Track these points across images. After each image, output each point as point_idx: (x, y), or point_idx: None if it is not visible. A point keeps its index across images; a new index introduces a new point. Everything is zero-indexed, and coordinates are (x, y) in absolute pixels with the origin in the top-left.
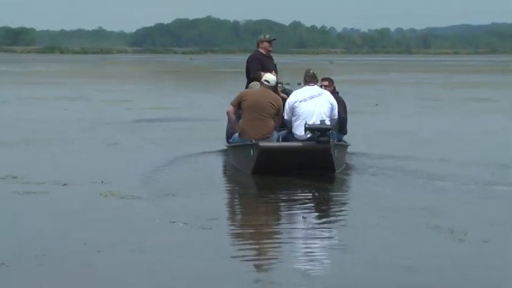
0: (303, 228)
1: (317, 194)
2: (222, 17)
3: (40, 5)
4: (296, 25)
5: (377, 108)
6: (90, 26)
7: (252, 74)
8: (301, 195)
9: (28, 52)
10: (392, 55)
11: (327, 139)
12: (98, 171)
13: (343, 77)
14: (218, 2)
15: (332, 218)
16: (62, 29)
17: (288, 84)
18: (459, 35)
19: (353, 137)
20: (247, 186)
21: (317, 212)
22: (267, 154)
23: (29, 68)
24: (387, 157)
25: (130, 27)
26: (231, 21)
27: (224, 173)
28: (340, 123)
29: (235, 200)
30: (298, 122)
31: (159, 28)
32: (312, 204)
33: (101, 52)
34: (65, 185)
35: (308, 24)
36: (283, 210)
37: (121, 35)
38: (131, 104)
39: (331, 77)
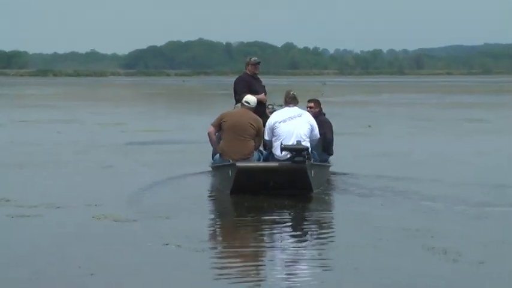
0: (292, 249)
1: (305, 215)
2: (215, 39)
3: (33, 28)
4: (289, 46)
5: (370, 129)
6: (83, 49)
7: (238, 95)
8: (288, 217)
9: (21, 75)
10: (385, 76)
11: (302, 159)
12: (91, 194)
13: (336, 99)
14: (210, 24)
15: (322, 239)
16: (55, 52)
17: (280, 105)
18: (452, 56)
19: (345, 158)
20: (234, 207)
21: (306, 233)
22: (244, 174)
23: (22, 91)
24: (379, 177)
25: (123, 50)
26: (224, 43)
27: (211, 194)
28: (326, 144)
29: (223, 221)
30: (278, 142)
31: (152, 50)
32: (301, 226)
33: (94, 75)
34: (58, 208)
35: (301, 46)
36: (273, 232)
37: (114, 57)
38: (124, 127)
39: (319, 99)
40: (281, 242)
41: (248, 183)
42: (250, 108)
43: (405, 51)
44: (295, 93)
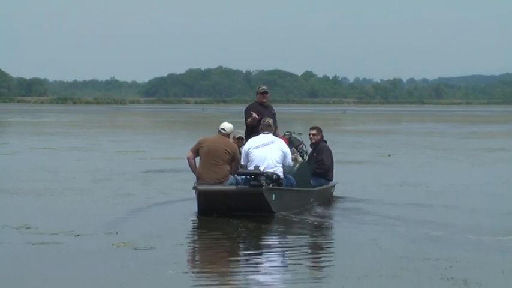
0: (310, 282)
1: (322, 243)
2: (234, 67)
3: (53, 56)
4: (308, 75)
5: (389, 158)
6: (103, 77)
7: (246, 122)
8: (304, 243)
9: (41, 102)
10: (405, 105)
11: (258, 183)
12: (110, 222)
13: (356, 127)
14: (230, 53)
15: (338, 268)
16: (75, 80)
17: (300, 134)
18: (472, 85)
19: (364, 186)
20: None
21: (319, 261)
22: (205, 196)
23: (42, 119)
24: (396, 206)
25: (143, 78)
26: (243, 71)
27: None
28: (323, 170)
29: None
30: (252, 167)
31: (172, 78)
32: (317, 254)
33: (114, 102)
34: (77, 235)
35: (320, 74)
36: (285, 259)
37: (134, 85)
38: (143, 154)
39: (319, 127)
40: (290, 271)
41: (211, 205)
42: (226, 135)
43: (425, 80)
44: (270, 121)
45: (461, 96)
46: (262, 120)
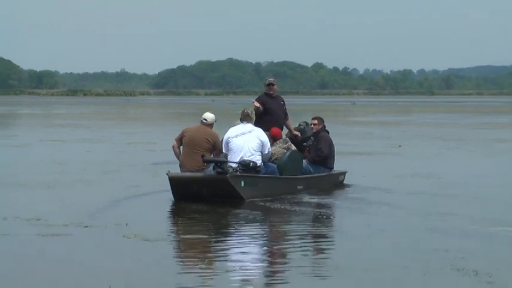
0: (314, 266)
1: (332, 229)
2: (244, 59)
3: (64, 49)
4: (318, 66)
5: (400, 149)
6: (113, 69)
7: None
8: (314, 230)
9: (52, 95)
10: (415, 96)
11: (222, 170)
12: (120, 214)
13: (366, 118)
14: (239, 44)
15: (351, 256)
16: (86, 72)
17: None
18: (482, 76)
19: (374, 176)
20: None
21: (323, 252)
22: (175, 182)
23: (52, 111)
24: (408, 195)
25: (153, 69)
26: (253, 62)
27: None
28: (322, 158)
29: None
30: (230, 155)
31: (182, 70)
32: (327, 238)
33: (124, 94)
34: (88, 227)
35: (330, 66)
36: (288, 247)
37: (144, 77)
38: (153, 146)
39: (320, 117)
40: (297, 260)
41: (183, 191)
42: (208, 124)
43: (435, 71)
44: (249, 111)
45: (472, 87)
46: (242, 110)
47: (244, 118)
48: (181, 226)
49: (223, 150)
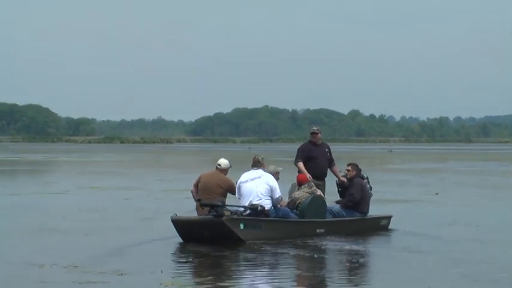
0: None
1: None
2: (280, 106)
3: (101, 96)
4: (355, 114)
5: (437, 197)
6: (150, 116)
7: (295, 160)
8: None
9: (89, 142)
10: (452, 144)
11: (216, 213)
12: (157, 261)
13: (403, 166)
14: (275, 92)
15: None
16: (123, 119)
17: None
18: None
19: (414, 224)
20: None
21: None
22: (176, 225)
23: (89, 158)
24: (451, 243)
25: (190, 117)
26: (290, 110)
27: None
28: (354, 203)
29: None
30: (242, 199)
31: (219, 117)
32: None
33: (161, 141)
34: (124, 274)
35: (367, 113)
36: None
37: (180, 124)
38: (190, 194)
39: (354, 163)
40: None
41: (187, 233)
42: (222, 170)
43: (472, 118)
44: (259, 158)
45: (508, 134)
46: (253, 157)
47: (255, 164)
48: (214, 273)
49: (236, 195)
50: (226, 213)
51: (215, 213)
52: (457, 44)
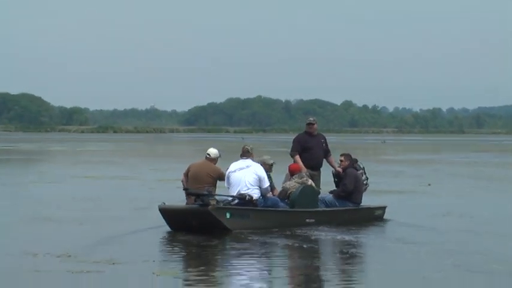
0: None
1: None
2: (274, 97)
3: (94, 86)
4: (348, 104)
5: (429, 188)
6: (143, 106)
7: (291, 151)
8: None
9: (82, 131)
10: (445, 135)
11: (202, 203)
12: (150, 251)
13: (396, 157)
14: (269, 82)
15: None
16: (115, 109)
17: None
18: (510, 115)
19: (399, 214)
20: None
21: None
22: (164, 214)
23: (83, 147)
24: (442, 233)
25: (183, 107)
26: (283, 100)
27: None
28: (347, 194)
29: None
30: (230, 189)
31: (212, 107)
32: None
33: (154, 131)
34: (117, 264)
35: (360, 104)
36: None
37: (173, 114)
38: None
39: (347, 154)
40: None
41: (175, 222)
42: (211, 159)
43: (465, 109)
44: (248, 148)
45: (502, 125)
46: (242, 147)
47: (244, 154)
48: (207, 264)
49: (225, 184)
50: (213, 202)
51: (201, 203)
52: (457, 44)
